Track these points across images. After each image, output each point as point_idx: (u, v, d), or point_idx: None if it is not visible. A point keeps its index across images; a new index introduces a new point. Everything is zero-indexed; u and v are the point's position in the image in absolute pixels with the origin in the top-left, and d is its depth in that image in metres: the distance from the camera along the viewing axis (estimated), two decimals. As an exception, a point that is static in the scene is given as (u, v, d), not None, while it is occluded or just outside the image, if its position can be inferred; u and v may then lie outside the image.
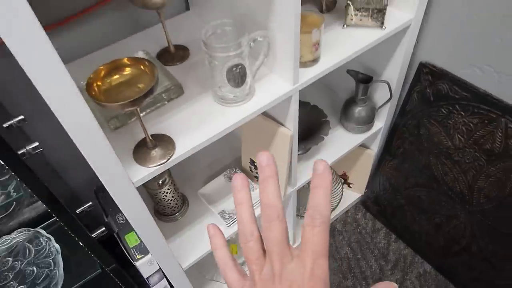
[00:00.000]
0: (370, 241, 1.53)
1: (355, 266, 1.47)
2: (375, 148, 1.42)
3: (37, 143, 0.78)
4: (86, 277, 1.03)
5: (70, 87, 0.51)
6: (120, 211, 1.11)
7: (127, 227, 1.11)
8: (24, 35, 0.45)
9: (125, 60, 0.64)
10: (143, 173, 0.71)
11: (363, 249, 1.51)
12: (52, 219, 1.11)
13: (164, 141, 0.75)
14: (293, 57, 0.79)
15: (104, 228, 0.98)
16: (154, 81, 0.62)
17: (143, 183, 0.72)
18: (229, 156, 1.24)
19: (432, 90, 1.13)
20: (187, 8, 1.08)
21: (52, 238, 1.06)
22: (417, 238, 1.42)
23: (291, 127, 0.95)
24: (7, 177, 0.94)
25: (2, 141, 0.65)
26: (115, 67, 0.63)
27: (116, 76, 0.62)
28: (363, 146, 1.44)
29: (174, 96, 0.83)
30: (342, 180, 1.60)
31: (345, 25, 0.98)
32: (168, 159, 0.73)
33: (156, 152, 0.73)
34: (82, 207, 0.94)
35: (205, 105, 0.82)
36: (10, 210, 1.09)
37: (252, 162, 1.13)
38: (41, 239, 1.07)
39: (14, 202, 1.08)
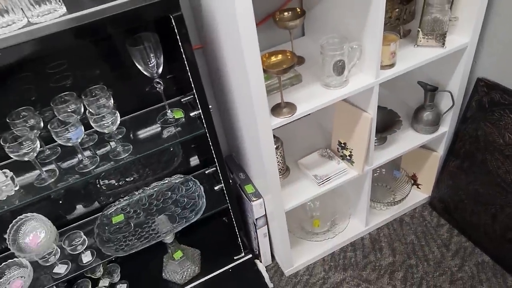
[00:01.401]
0: (434, 233, 1.78)
1: (418, 250, 1.73)
2: (440, 151, 1.73)
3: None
4: (217, 208, 1.50)
5: (259, 62, 1.01)
6: (242, 171, 1.59)
7: (246, 181, 1.57)
8: (248, 31, 0.95)
9: (278, 51, 1.13)
10: (277, 120, 1.18)
11: (427, 238, 1.77)
12: (200, 171, 1.62)
13: (290, 105, 1.21)
14: (376, 60, 1.22)
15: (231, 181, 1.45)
16: (293, 62, 1.09)
17: (276, 127, 1.18)
18: (321, 140, 1.66)
19: (487, 99, 1.45)
20: (303, 34, 1.59)
21: (197, 181, 1.56)
22: (476, 230, 1.65)
23: (371, 112, 1.35)
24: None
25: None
26: (272, 54, 1.12)
27: (273, 58, 1.11)
28: (431, 149, 1.76)
29: (295, 82, 1.30)
30: (412, 181, 1.90)
31: (416, 45, 1.38)
32: (292, 114, 1.18)
33: (285, 110, 1.19)
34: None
35: (316, 88, 1.27)
36: (174, 162, 1.63)
37: (339, 143, 1.54)
38: (190, 182, 1.57)
39: (176, 157, 1.61)
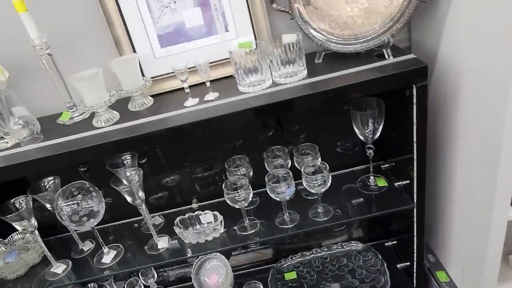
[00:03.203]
0: None
1: None
2: None
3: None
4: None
5: None
6: (430, 252, 1.40)
7: (437, 266, 1.37)
8: None
9: None
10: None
11: None
12: (378, 241, 1.49)
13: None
14: None
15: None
16: None
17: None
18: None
19: None
20: None
21: (379, 254, 1.43)
22: None
23: None
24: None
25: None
26: None
27: None
28: None
29: None
30: None
31: None
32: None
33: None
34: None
35: None
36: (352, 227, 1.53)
37: None
38: (369, 253, 1.45)
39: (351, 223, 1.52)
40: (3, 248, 1.25)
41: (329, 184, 1.08)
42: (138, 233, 1.28)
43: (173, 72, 1.05)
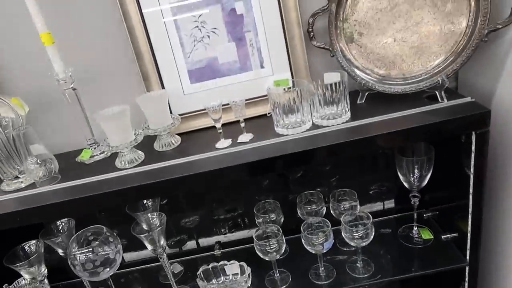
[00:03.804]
0: None
1: None
2: None
3: None
4: None
5: None
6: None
7: None
8: None
9: None
10: None
11: None
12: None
13: None
14: None
15: None
16: None
17: None
18: None
19: None
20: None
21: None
22: None
23: None
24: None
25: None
26: None
27: None
28: None
29: None
30: None
31: None
32: None
33: None
34: None
35: None
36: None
37: None
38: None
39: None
40: (8, 296, 1.14)
41: (371, 238, 0.97)
42: (156, 282, 1.17)
43: (202, 110, 0.98)
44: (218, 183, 0.87)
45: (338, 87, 0.88)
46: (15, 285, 1.17)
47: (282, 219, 1.10)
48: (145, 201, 1.04)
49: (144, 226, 1.04)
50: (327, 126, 0.90)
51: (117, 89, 1.04)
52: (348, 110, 0.91)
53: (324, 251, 0.99)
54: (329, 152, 0.84)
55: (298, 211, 1.10)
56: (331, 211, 1.08)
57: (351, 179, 1.17)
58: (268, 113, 0.96)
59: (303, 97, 0.89)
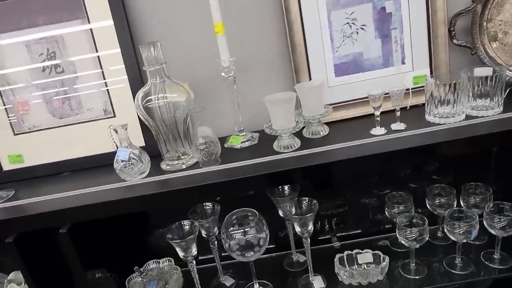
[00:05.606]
0: None
1: None
2: None
3: None
4: None
5: None
6: None
7: None
8: None
9: None
10: None
11: None
12: None
13: None
14: None
15: None
16: None
17: None
18: None
19: None
20: None
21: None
22: None
23: None
24: None
25: None
26: None
27: None
28: None
29: None
30: None
31: None
32: None
33: None
34: None
35: None
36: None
37: None
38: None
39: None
40: (140, 279, 1.17)
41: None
42: (282, 269, 1.20)
43: (343, 102, 1.03)
44: (379, 168, 0.91)
45: (496, 81, 0.93)
46: (145, 267, 1.20)
47: (413, 212, 1.13)
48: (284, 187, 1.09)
49: (280, 213, 1.09)
50: (478, 116, 0.95)
51: (266, 80, 1.10)
52: (500, 105, 0.95)
53: (472, 239, 1.01)
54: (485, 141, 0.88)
55: (427, 203, 1.13)
56: (462, 204, 1.11)
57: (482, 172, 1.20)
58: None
59: (461, 89, 0.94)
